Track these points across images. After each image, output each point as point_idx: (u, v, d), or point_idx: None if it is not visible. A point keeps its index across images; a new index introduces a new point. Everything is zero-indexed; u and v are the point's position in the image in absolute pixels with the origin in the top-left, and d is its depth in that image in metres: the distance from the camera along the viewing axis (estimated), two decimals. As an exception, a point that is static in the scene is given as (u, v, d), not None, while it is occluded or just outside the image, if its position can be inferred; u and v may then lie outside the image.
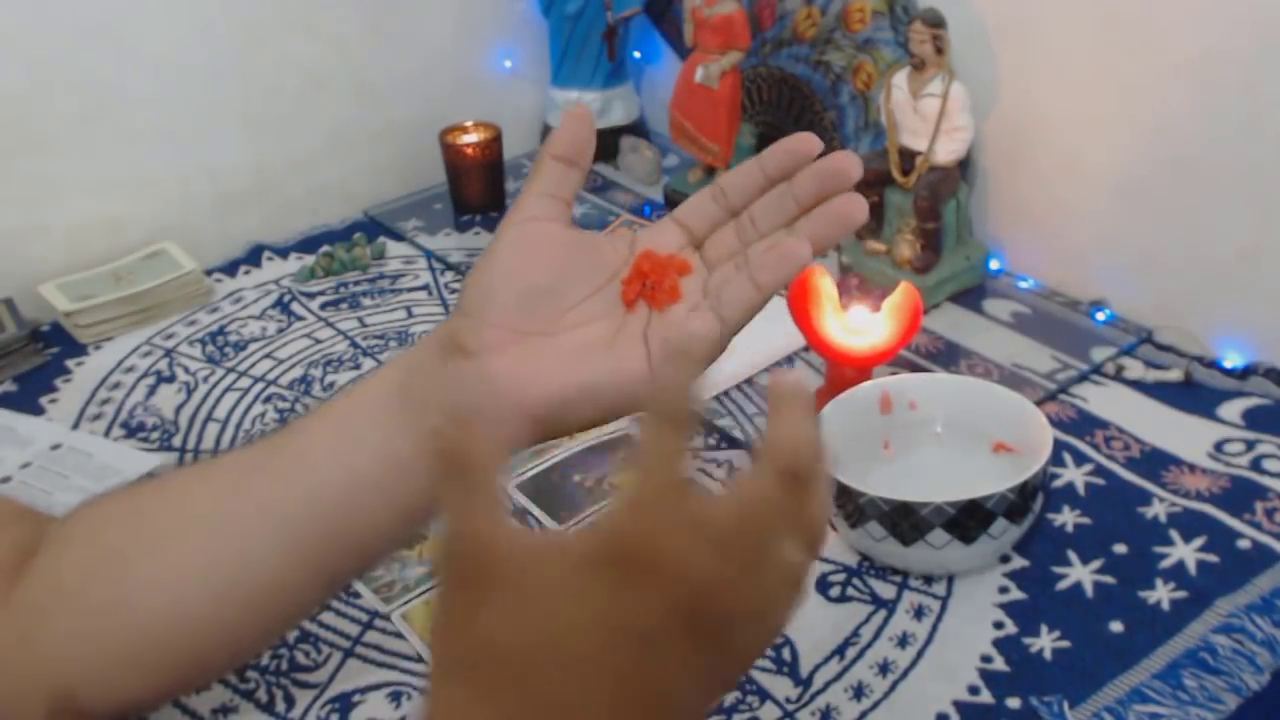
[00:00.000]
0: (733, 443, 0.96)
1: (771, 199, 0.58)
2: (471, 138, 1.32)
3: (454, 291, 1.20)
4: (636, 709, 0.42)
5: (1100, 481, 0.89)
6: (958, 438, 0.88)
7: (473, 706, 0.42)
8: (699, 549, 0.42)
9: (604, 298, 0.59)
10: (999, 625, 0.78)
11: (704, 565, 0.42)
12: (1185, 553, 0.82)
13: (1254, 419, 0.94)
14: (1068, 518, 0.86)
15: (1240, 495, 0.86)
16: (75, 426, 1.03)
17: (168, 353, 1.13)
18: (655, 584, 0.42)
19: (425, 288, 1.21)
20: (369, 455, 0.59)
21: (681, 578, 0.42)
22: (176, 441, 1.01)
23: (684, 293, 0.58)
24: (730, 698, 0.75)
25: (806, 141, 0.57)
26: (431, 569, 0.44)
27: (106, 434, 1.02)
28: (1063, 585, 0.81)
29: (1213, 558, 0.81)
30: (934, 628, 0.79)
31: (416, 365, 0.59)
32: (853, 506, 0.80)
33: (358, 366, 1.09)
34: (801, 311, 0.89)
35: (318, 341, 1.14)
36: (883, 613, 0.80)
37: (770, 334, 1.05)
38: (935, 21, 1.03)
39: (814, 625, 0.80)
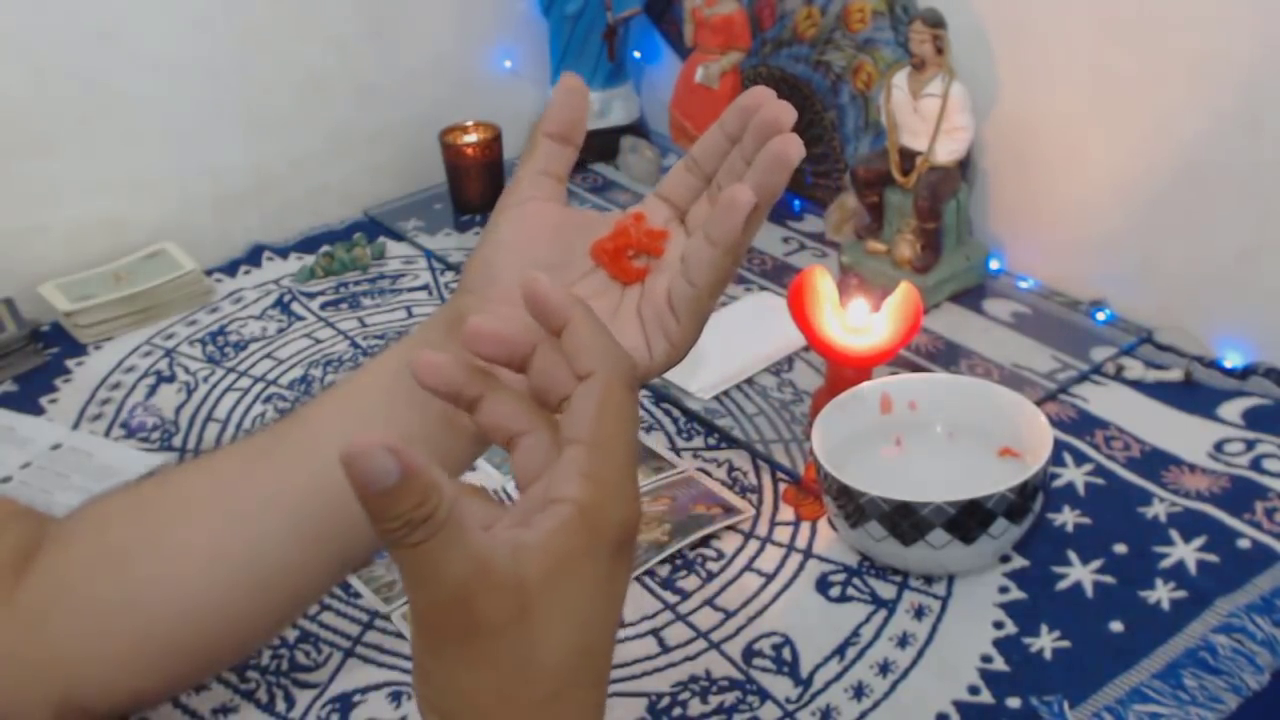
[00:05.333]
0: (732, 442, 0.96)
1: (729, 163, 0.58)
2: (471, 138, 1.32)
3: (454, 291, 1.20)
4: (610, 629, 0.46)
5: (1100, 481, 0.89)
6: (958, 438, 0.88)
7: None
8: (635, 502, 0.45)
9: (602, 274, 0.59)
10: (999, 625, 0.78)
11: (636, 515, 0.45)
12: (1185, 553, 0.82)
13: (1254, 419, 0.94)
14: (1068, 518, 0.86)
15: (1240, 495, 0.86)
16: (75, 426, 1.03)
17: (168, 353, 1.13)
18: (631, 544, 0.45)
19: (425, 288, 1.21)
20: (377, 434, 0.59)
21: (621, 527, 0.44)
22: (176, 442, 1.01)
23: (669, 258, 0.58)
24: (730, 698, 0.75)
25: (758, 96, 0.57)
26: (419, 630, 0.44)
27: (106, 434, 1.02)
28: (1063, 585, 0.81)
29: (1213, 558, 0.81)
30: (934, 628, 0.79)
31: (422, 345, 0.60)
32: (853, 506, 0.80)
33: (357, 366, 1.09)
34: (801, 311, 0.89)
35: (318, 341, 1.14)
36: (883, 613, 0.80)
37: (770, 334, 1.05)
38: (935, 21, 1.03)
39: (814, 625, 0.80)
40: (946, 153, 1.07)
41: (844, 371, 0.90)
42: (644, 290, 0.58)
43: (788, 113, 0.55)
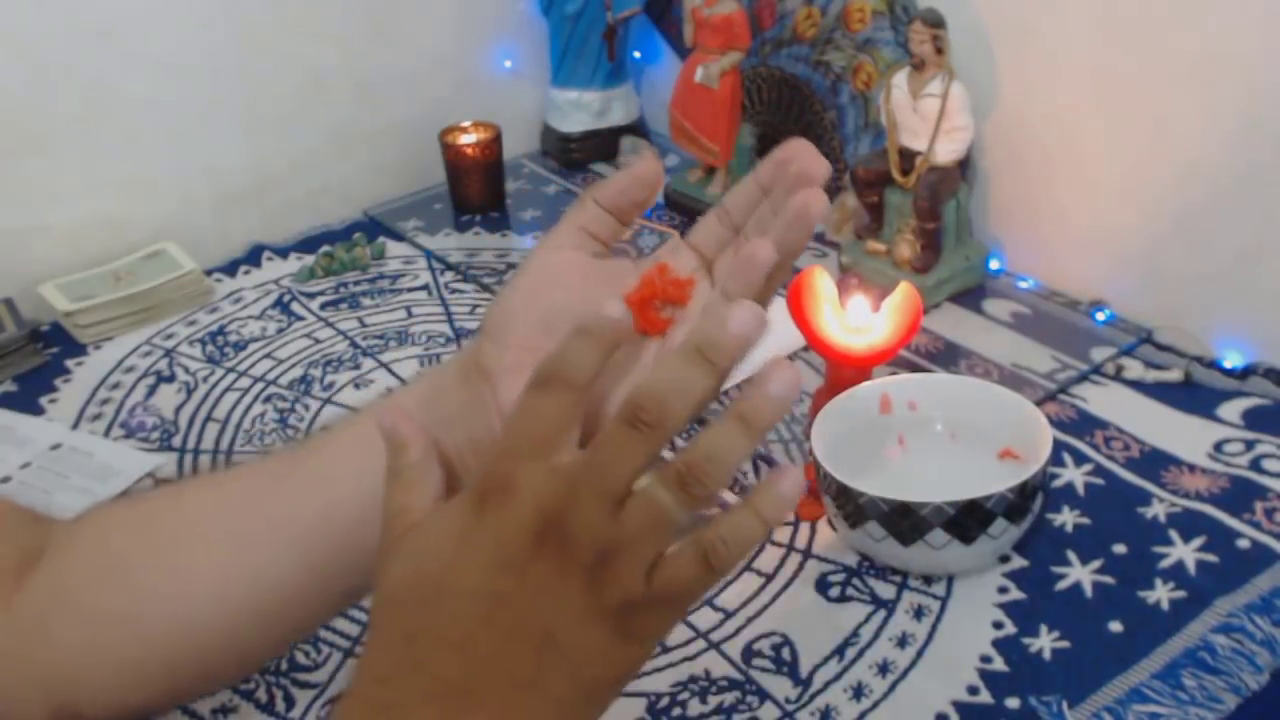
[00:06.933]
0: (732, 443, 0.95)
1: (758, 214, 0.57)
2: (471, 138, 1.32)
3: (454, 291, 1.20)
4: (524, 643, 0.45)
5: (1100, 481, 0.89)
6: (958, 438, 0.88)
7: (376, 655, 0.47)
8: (546, 476, 0.46)
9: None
10: (998, 625, 0.78)
11: (548, 488, 0.46)
12: (1185, 553, 0.82)
13: (1253, 419, 0.94)
14: (1067, 518, 0.86)
15: (1240, 495, 0.86)
16: (75, 426, 1.03)
17: (168, 353, 1.13)
18: (506, 506, 0.46)
19: (425, 288, 1.21)
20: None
21: (527, 497, 0.46)
22: (176, 442, 1.01)
23: (692, 309, 0.57)
24: (729, 698, 0.75)
25: (793, 149, 0.56)
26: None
27: (106, 434, 1.02)
28: (1062, 585, 0.81)
29: (1212, 558, 0.81)
30: (934, 628, 0.79)
31: (439, 385, 0.59)
32: (852, 507, 0.80)
33: (357, 367, 1.09)
34: (801, 311, 0.89)
35: (317, 341, 1.14)
36: (882, 613, 0.80)
37: (770, 334, 1.05)
38: (935, 21, 1.03)
39: (813, 625, 0.80)
40: (946, 153, 1.07)
41: (844, 371, 0.90)
42: (664, 343, 0.57)
43: (819, 167, 0.54)
